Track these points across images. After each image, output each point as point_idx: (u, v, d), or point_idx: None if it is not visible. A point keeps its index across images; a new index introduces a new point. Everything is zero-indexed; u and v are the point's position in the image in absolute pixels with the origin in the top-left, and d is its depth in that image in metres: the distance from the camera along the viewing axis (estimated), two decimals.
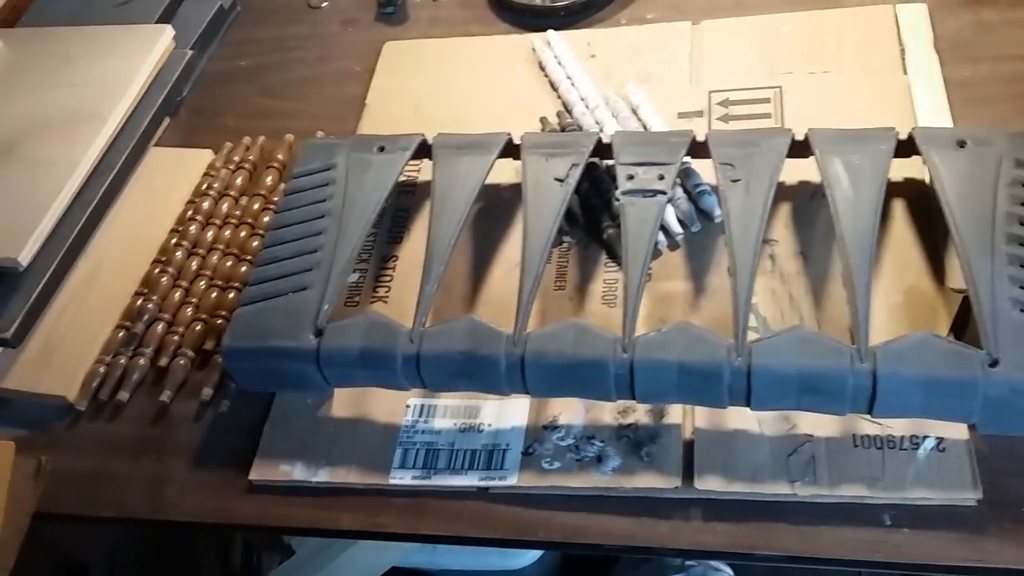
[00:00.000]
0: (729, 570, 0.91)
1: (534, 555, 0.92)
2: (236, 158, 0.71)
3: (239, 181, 0.70)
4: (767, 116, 0.65)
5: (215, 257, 0.65)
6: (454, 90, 0.73)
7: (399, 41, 0.79)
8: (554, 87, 0.70)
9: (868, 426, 0.49)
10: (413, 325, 0.51)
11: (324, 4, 0.86)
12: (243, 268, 0.64)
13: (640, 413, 0.52)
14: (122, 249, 0.67)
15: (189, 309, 0.62)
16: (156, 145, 0.74)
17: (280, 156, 0.71)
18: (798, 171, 0.59)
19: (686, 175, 0.61)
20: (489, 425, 0.53)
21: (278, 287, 0.55)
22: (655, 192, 0.55)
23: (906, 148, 0.56)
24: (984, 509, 0.46)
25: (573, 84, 0.69)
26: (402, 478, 0.52)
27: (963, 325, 0.52)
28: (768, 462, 0.49)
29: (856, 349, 0.46)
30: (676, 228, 0.59)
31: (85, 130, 0.69)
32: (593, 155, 0.59)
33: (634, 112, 0.66)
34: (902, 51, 0.67)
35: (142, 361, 0.60)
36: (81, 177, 0.67)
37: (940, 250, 0.55)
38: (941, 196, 0.52)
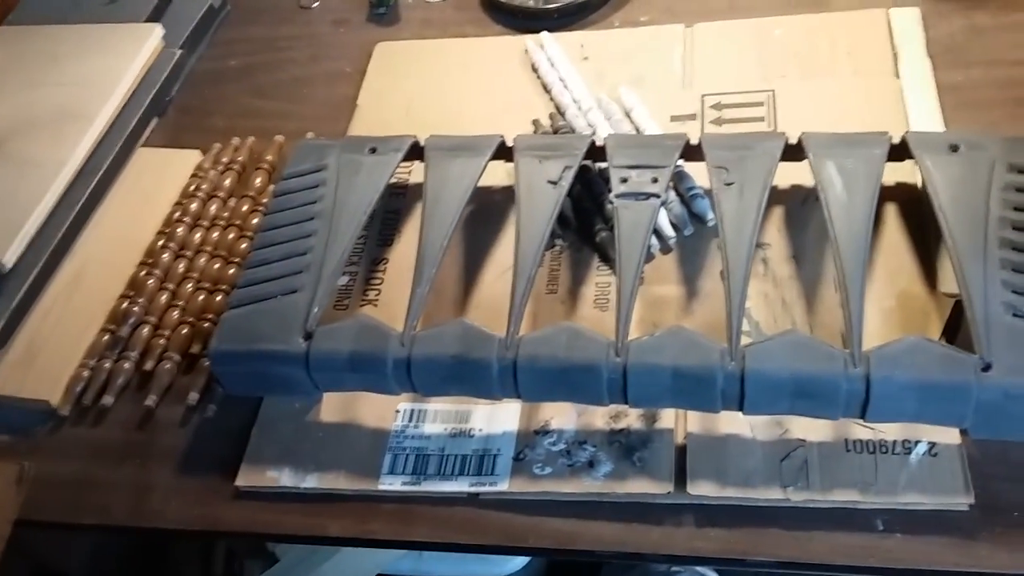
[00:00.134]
0: (714, 575, 0.90)
1: (521, 561, 0.91)
2: (225, 159, 0.71)
3: (228, 182, 0.69)
4: (760, 120, 0.64)
5: (202, 259, 0.65)
6: (446, 92, 0.72)
7: (391, 42, 0.78)
8: (547, 89, 0.70)
9: (860, 431, 0.49)
10: (404, 328, 0.51)
11: (315, 4, 0.85)
12: (231, 270, 0.63)
13: (632, 418, 0.52)
14: (108, 251, 0.66)
15: (175, 312, 0.62)
16: (144, 145, 0.74)
17: (269, 157, 0.70)
18: (791, 175, 0.59)
19: (679, 178, 0.60)
20: (480, 430, 0.53)
21: (267, 290, 0.54)
22: (648, 195, 0.54)
23: (899, 152, 0.55)
24: (976, 514, 0.46)
25: (566, 86, 0.69)
26: (391, 484, 0.52)
27: (955, 329, 0.51)
28: (761, 467, 0.48)
29: (849, 353, 0.46)
30: (669, 231, 0.58)
31: (72, 129, 0.68)
32: (586, 158, 0.58)
33: (627, 115, 0.66)
34: (895, 55, 0.67)
35: (127, 365, 0.59)
36: (67, 177, 0.66)
37: (932, 254, 0.55)
38: (934, 200, 0.51)
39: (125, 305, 0.62)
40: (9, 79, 0.74)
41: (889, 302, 0.53)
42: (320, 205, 0.58)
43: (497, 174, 0.63)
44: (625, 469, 0.50)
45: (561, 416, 0.52)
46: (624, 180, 0.55)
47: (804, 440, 0.49)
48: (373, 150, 0.61)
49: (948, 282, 0.53)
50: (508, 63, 0.74)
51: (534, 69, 0.72)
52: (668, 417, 0.51)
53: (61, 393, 0.58)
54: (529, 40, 0.74)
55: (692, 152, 0.57)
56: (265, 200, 0.67)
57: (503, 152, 0.60)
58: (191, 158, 0.72)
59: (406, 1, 0.83)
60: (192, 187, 0.69)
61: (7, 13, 0.84)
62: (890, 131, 0.56)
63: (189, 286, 0.63)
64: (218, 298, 0.62)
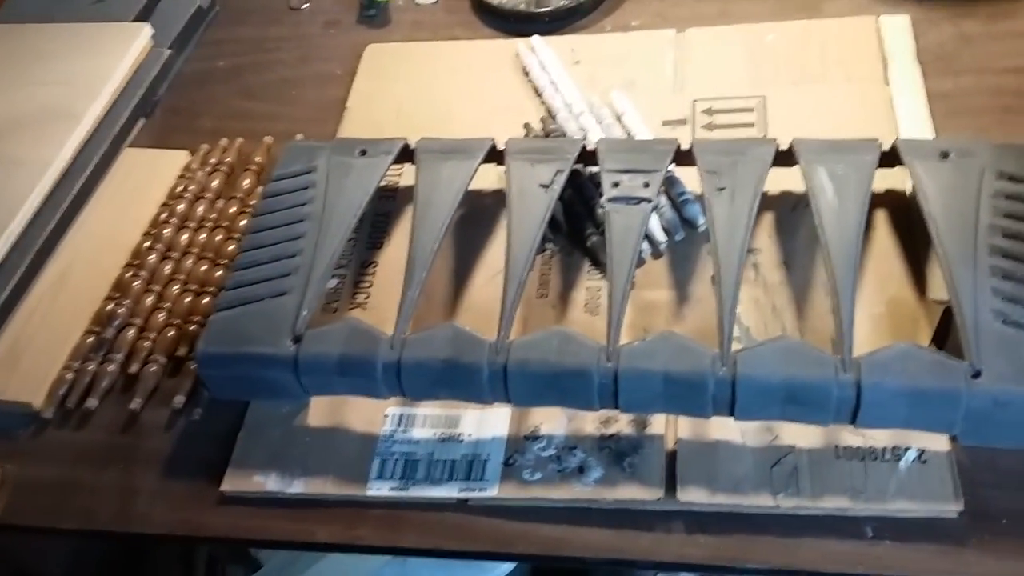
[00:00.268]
0: None
1: (507, 567, 0.91)
2: (213, 160, 0.70)
3: (215, 183, 0.69)
4: (751, 125, 0.64)
5: (189, 261, 0.64)
6: (437, 94, 0.72)
7: (381, 44, 0.78)
8: (538, 93, 0.70)
9: (850, 437, 0.49)
10: (394, 332, 0.50)
11: (305, 5, 0.85)
12: (218, 272, 0.63)
13: (623, 423, 0.51)
14: (93, 252, 0.65)
15: (162, 314, 0.61)
16: (130, 146, 0.73)
17: (258, 158, 0.70)
18: (781, 181, 0.59)
19: (670, 183, 0.60)
20: (469, 435, 0.52)
21: (255, 292, 0.54)
22: (640, 200, 0.54)
23: (889, 159, 0.55)
24: (965, 521, 0.46)
25: (557, 90, 0.69)
26: (380, 489, 0.51)
27: (944, 336, 0.52)
28: (751, 473, 0.48)
29: (840, 359, 0.46)
30: (660, 236, 0.58)
31: (58, 129, 0.68)
32: (578, 162, 0.58)
33: (618, 119, 0.66)
34: (885, 62, 0.67)
35: (112, 367, 0.58)
36: (53, 177, 0.66)
37: (921, 261, 0.55)
38: (924, 207, 0.51)
39: (110, 307, 0.61)
40: None
41: (879, 308, 0.53)
42: (310, 207, 0.58)
43: (488, 177, 0.63)
44: (615, 475, 0.49)
45: (551, 421, 0.52)
46: (616, 184, 0.55)
47: (794, 446, 0.49)
48: (363, 152, 0.60)
49: (937, 289, 0.53)
50: (499, 66, 0.74)
51: (525, 72, 0.72)
52: (659, 423, 0.51)
53: (44, 395, 0.58)
54: (520, 43, 0.74)
55: (683, 157, 0.57)
56: (253, 202, 0.67)
57: (494, 155, 0.60)
58: (178, 159, 0.71)
59: (397, 3, 0.83)
60: (179, 188, 0.68)
61: None
62: (880, 138, 0.56)
63: (175, 288, 0.62)
64: (205, 300, 0.61)
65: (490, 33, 0.78)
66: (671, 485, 0.48)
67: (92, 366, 0.59)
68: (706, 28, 0.73)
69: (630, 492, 0.49)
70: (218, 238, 0.65)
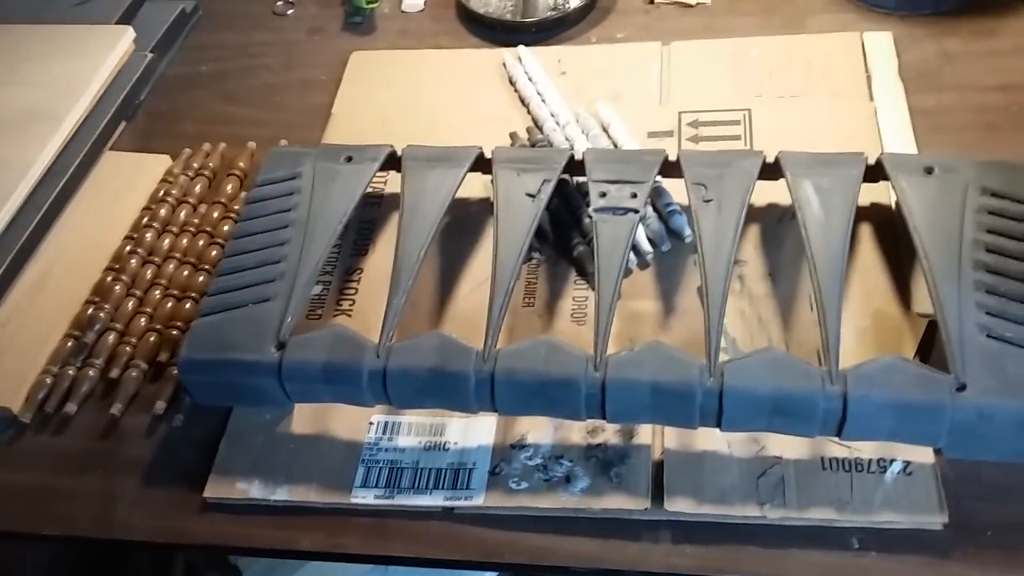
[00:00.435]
0: None
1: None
2: (195, 164, 0.70)
3: (198, 188, 0.68)
4: (737, 138, 0.65)
5: (171, 266, 0.63)
6: (422, 103, 0.72)
7: (367, 51, 0.78)
8: (524, 103, 0.70)
9: (836, 449, 0.49)
10: (380, 339, 0.50)
11: (290, 12, 0.85)
12: (200, 278, 0.62)
13: (609, 433, 0.51)
14: (74, 255, 0.64)
15: (143, 319, 0.60)
16: (111, 149, 0.72)
17: (242, 164, 0.69)
18: (766, 193, 0.59)
19: (657, 194, 0.60)
20: (455, 443, 0.52)
21: (239, 298, 0.53)
22: (627, 210, 0.54)
23: (874, 173, 0.56)
24: (950, 533, 0.46)
25: (544, 100, 0.69)
26: (364, 497, 0.51)
27: (928, 349, 0.52)
28: (737, 484, 0.48)
29: (827, 371, 0.46)
30: (646, 247, 0.58)
31: (39, 130, 0.67)
32: (565, 171, 0.58)
33: (605, 130, 0.66)
34: (869, 78, 0.67)
35: (92, 372, 0.58)
36: (34, 179, 0.65)
37: (906, 275, 0.56)
38: (909, 221, 0.52)
39: (91, 311, 0.60)
40: None
41: (864, 321, 0.54)
42: (294, 213, 0.57)
43: (474, 186, 0.63)
44: (602, 485, 0.49)
45: (537, 430, 0.52)
46: (603, 195, 0.55)
47: (780, 457, 0.49)
48: (349, 159, 0.60)
49: (922, 302, 0.53)
50: (485, 75, 0.74)
51: (511, 82, 0.72)
52: (645, 433, 0.51)
53: (22, 400, 0.57)
54: (507, 53, 0.74)
55: (670, 168, 0.58)
56: (236, 207, 0.66)
57: (481, 164, 0.60)
58: (160, 163, 0.70)
59: (382, 11, 0.83)
60: (161, 192, 0.68)
61: None
62: (865, 152, 0.56)
63: (157, 293, 0.62)
64: (187, 306, 0.61)
65: (476, 42, 0.78)
66: (658, 495, 0.48)
67: (72, 370, 0.58)
68: (691, 41, 0.74)
69: (617, 502, 0.49)
70: (200, 243, 0.64)
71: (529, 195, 0.56)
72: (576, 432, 0.52)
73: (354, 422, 0.54)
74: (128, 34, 0.75)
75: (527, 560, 0.48)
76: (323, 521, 0.50)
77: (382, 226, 0.64)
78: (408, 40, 0.79)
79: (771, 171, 0.56)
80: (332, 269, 0.61)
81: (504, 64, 0.73)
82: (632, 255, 0.58)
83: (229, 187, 0.68)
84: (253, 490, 0.52)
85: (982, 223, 0.51)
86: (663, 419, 0.48)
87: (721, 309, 0.49)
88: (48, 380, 0.57)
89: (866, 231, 0.58)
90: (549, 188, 0.56)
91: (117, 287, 0.61)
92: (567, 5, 0.78)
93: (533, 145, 0.66)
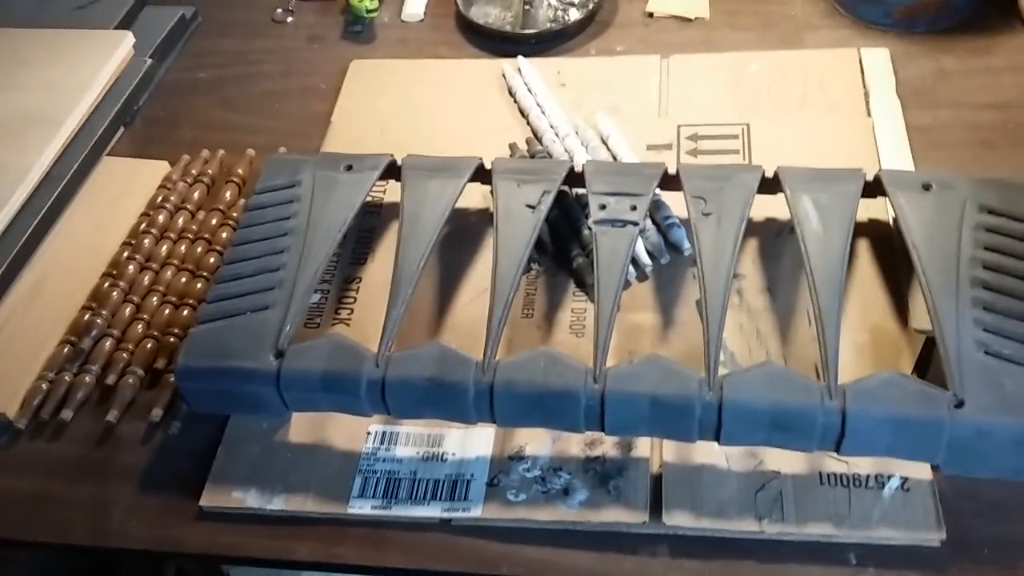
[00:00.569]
0: None
1: None
2: (194, 171, 0.69)
3: (196, 195, 0.68)
4: (735, 152, 0.65)
5: (169, 272, 0.63)
6: (422, 112, 0.72)
7: (367, 60, 0.78)
8: (524, 114, 0.70)
9: (834, 464, 0.49)
10: (379, 349, 0.50)
11: (289, 19, 0.85)
12: (198, 285, 0.62)
13: (608, 445, 0.51)
14: (70, 261, 0.64)
15: (140, 326, 0.60)
16: (109, 155, 0.72)
17: (240, 171, 0.69)
18: (764, 208, 0.59)
19: (656, 207, 0.60)
20: (453, 454, 0.52)
21: (237, 305, 0.53)
22: (626, 223, 0.54)
23: (872, 189, 0.56)
24: (947, 550, 0.46)
25: (543, 111, 0.69)
26: (361, 508, 0.50)
27: (926, 365, 0.52)
28: (736, 498, 0.48)
29: (826, 386, 0.46)
30: (645, 260, 0.58)
31: (38, 135, 0.67)
32: (564, 183, 0.58)
33: (604, 142, 0.66)
34: (866, 94, 0.68)
35: (88, 378, 0.57)
36: (32, 184, 0.65)
37: (903, 291, 0.56)
38: (907, 237, 0.52)
39: (87, 317, 0.60)
40: None
41: (862, 336, 0.54)
42: (294, 221, 0.57)
43: (473, 197, 0.63)
44: (600, 497, 0.49)
45: (536, 442, 0.52)
46: (603, 207, 0.55)
47: (779, 472, 0.49)
48: (349, 167, 0.60)
49: (919, 318, 0.54)
50: (485, 86, 0.74)
51: (511, 93, 0.72)
52: (644, 445, 0.51)
53: (18, 406, 0.56)
54: (506, 64, 0.74)
55: (669, 181, 0.58)
56: (235, 214, 0.66)
57: (480, 174, 0.60)
58: (159, 169, 0.70)
59: (382, 20, 0.83)
60: (159, 198, 0.67)
61: None
62: (862, 168, 0.57)
63: (154, 299, 0.61)
64: (184, 312, 0.61)
65: (475, 52, 0.78)
66: (656, 508, 0.48)
67: (68, 377, 0.57)
68: (690, 55, 0.74)
69: (615, 515, 0.49)
70: (198, 250, 0.64)
71: (529, 206, 0.56)
72: (574, 444, 0.52)
73: (352, 432, 0.53)
74: (128, 39, 0.75)
75: (524, 572, 0.48)
76: (320, 531, 0.50)
77: (381, 235, 0.64)
78: (408, 49, 0.80)
79: (770, 186, 0.57)
80: (331, 278, 0.61)
81: (503, 75, 0.74)
82: (631, 268, 0.58)
83: (228, 194, 0.68)
84: (249, 499, 0.51)
85: (979, 240, 0.52)
86: (662, 432, 0.48)
87: (720, 323, 0.49)
88: (44, 386, 0.57)
89: (864, 247, 0.59)
90: (549, 199, 0.56)
91: (114, 293, 0.61)
92: (567, 17, 0.79)
93: (532, 156, 0.67)
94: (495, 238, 0.54)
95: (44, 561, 0.80)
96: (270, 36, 0.83)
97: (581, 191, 0.60)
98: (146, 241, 0.64)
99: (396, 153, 0.61)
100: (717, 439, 0.47)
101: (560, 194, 0.59)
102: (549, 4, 0.80)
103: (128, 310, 0.61)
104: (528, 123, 0.70)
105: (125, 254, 0.64)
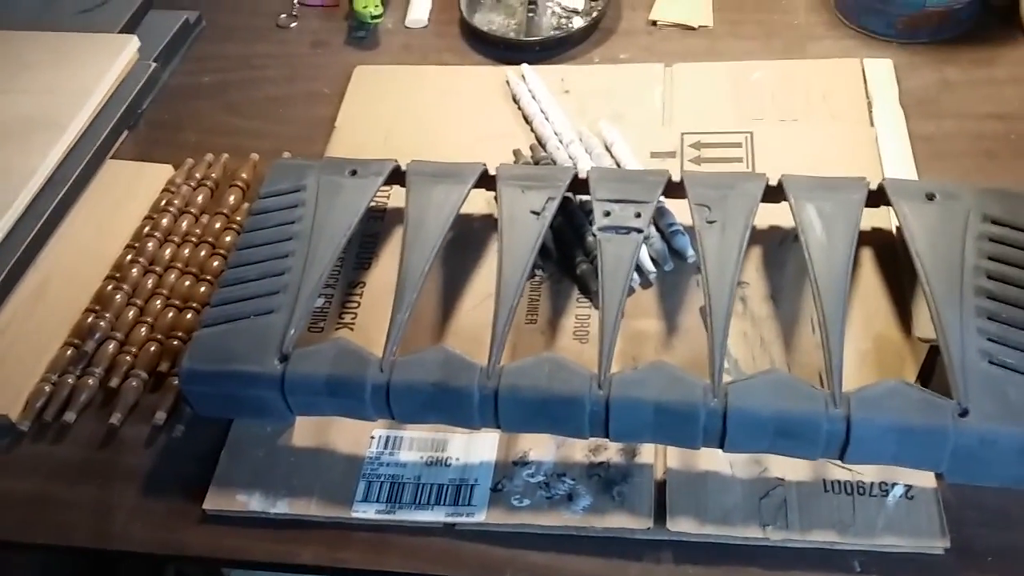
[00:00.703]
0: None
1: None
2: (198, 175, 0.69)
3: (200, 199, 0.68)
4: (738, 160, 0.65)
5: (173, 276, 0.63)
6: (426, 118, 0.72)
7: (371, 66, 0.78)
8: (527, 120, 0.70)
9: (838, 471, 0.49)
10: (384, 354, 0.50)
11: (293, 24, 0.85)
12: (202, 288, 0.62)
13: (612, 451, 0.51)
14: (74, 263, 0.64)
15: (143, 329, 0.60)
16: (113, 158, 0.72)
17: (244, 175, 0.69)
18: (768, 216, 0.59)
19: (660, 214, 0.61)
20: (457, 459, 0.52)
21: (242, 309, 0.53)
22: (631, 230, 0.54)
23: (875, 198, 0.56)
24: (951, 558, 0.46)
25: (547, 118, 0.69)
26: (365, 512, 0.50)
27: (929, 374, 0.52)
28: (740, 505, 0.48)
29: (830, 394, 0.46)
30: (649, 267, 0.59)
31: (42, 138, 0.67)
32: (569, 190, 0.58)
33: (608, 149, 0.66)
34: (869, 104, 0.68)
35: (91, 381, 0.57)
36: (35, 187, 0.64)
37: (907, 299, 0.56)
38: (911, 247, 0.52)
39: (91, 320, 0.60)
40: None
41: (865, 344, 0.54)
42: (298, 225, 0.57)
43: (476, 203, 0.63)
44: (604, 503, 0.49)
45: (540, 447, 0.52)
46: (607, 213, 0.55)
47: (783, 479, 0.49)
48: (354, 172, 0.60)
49: (923, 327, 0.54)
50: (489, 93, 0.74)
51: (515, 100, 0.72)
52: (648, 452, 0.51)
53: (21, 408, 0.56)
54: (510, 71, 0.74)
55: (673, 189, 0.58)
56: (239, 218, 0.66)
57: (485, 180, 0.60)
58: (162, 172, 0.70)
59: (386, 26, 0.83)
60: (163, 202, 0.67)
61: None
62: (866, 177, 0.57)
63: (158, 302, 0.61)
64: (188, 316, 0.60)
65: (479, 59, 0.78)
66: (660, 515, 0.48)
67: (71, 379, 0.57)
68: (694, 64, 0.74)
69: (619, 521, 0.49)
70: (202, 254, 0.64)
71: (533, 212, 0.56)
72: (578, 450, 0.52)
73: (355, 436, 0.53)
74: (132, 43, 0.75)
75: None
76: (323, 535, 0.50)
77: (385, 240, 0.64)
78: (412, 56, 0.80)
79: (773, 194, 0.57)
80: (334, 282, 0.61)
81: (507, 82, 0.74)
82: (635, 274, 0.58)
83: (231, 198, 0.68)
84: (253, 503, 0.51)
85: (983, 250, 0.52)
86: (666, 439, 0.48)
87: (725, 330, 0.49)
88: (47, 388, 0.57)
89: (867, 255, 0.59)
90: (553, 206, 0.56)
91: (118, 296, 0.61)
92: (570, 25, 0.79)
93: (536, 163, 0.67)
94: (500, 244, 0.54)
95: (43, 564, 0.80)
96: (274, 41, 0.83)
97: (585, 198, 0.60)
98: (149, 244, 0.64)
99: (401, 158, 0.61)
100: (721, 446, 0.47)
101: (564, 200, 0.59)
102: (553, 12, 0.80)
103: (131, 313, 0.61)
104: (532, 130, 0.70)
105: (128, 257, 0.64)
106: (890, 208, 0.56)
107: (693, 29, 0.79)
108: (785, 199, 0.56)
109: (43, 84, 0.71)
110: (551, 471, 0.51)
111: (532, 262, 0.54)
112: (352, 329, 0.59)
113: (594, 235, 0.55)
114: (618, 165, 0.65)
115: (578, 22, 0.79)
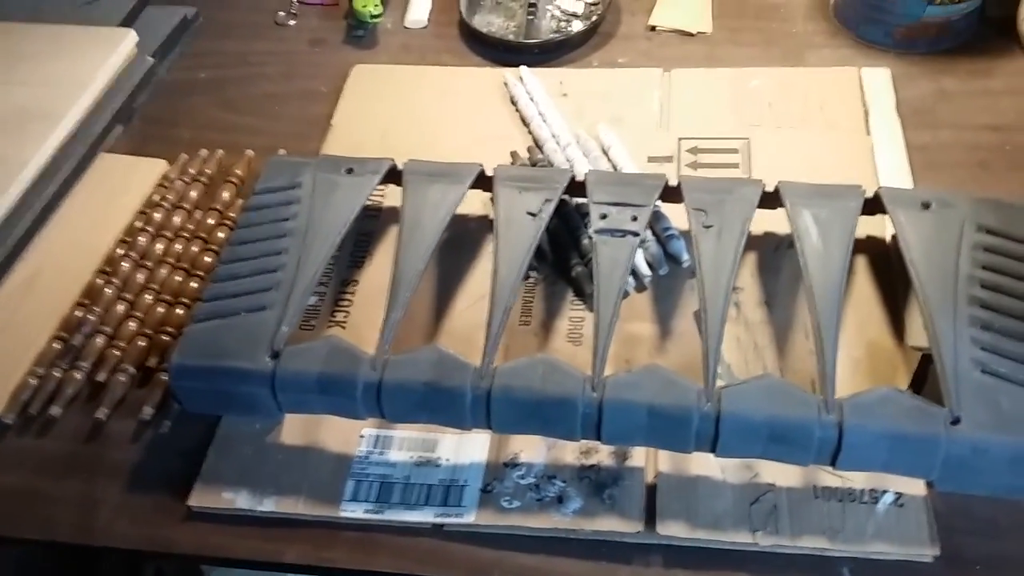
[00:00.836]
0: None
1: None
2: (192, 170, 0.69)
3: (194, 194, 0.67)
4: (735, 166, 0.65)
5: (164, 271, 0.63)
6: (423, 118, 0.72)
7: (369, 65, 0.78)
8: (525, 122, 0.70)
9: (829, 478, 0.49)
10: (376, 352, 0.50)
11: (292, 22, 0.85)
12: (193, 284, 0.62)
13: (603, 454, 0.51)
14: (65, 256, 0.64)
15: (133, 323, 0.59)
16: (107, 152, 0.71)
17: (239, 171, 0.69)
18: (763, 222, 0.59)
19: (656, 218, 0.60)
20: (447, 460, 0.52)
21: (234, 305, 0.53)
22: (627, 233, 0.54)
23: (871, 206, 0.56)
24: (941, 566, 0.46)
25: (545, 121, 0.69)
26: (353, 511, 0.50)
27: (921, 382, 0.52)
28: (731, 510, 0.48)
29: (823, 400, 0.46)
30: (644, 270, 0.58)
31: (36, 130, 0.66)
32: (566, 192, 0.58)
33: (605, 152, 0.66)
34: (866, 113, 0.68)
35: (78, 375, 0.57)
36: (29, 178, 0.64)
37: (900, 307, 0.56)
38: (906, 255, 0.52)
39: (80, 313, 0.60)
40: None
41: (858, 352, 0.54)
42: (293, 223, 0.57)
43: (473, 203, 0.63)
44: (595, 506, 0.49)
45: (530, 449, 0.52)
46: (604, 216, 0.55)
47: (773, 485, 0.49)
48: (350, 171, 0.60)
49: (916, 335, 0.54)
50: (487, 94, 0.74)
51: (513, 102, 0.72)
52: (639, 455, 0.51)
53: (6, 401, 0.56)
54: (508, 73, 0.74)
55: (670, 193, 0.58)
56: (232, 214, 0.66)
57: (481, 181, 0.60)
58: (156, 167, 0.70)
59: (385, 26, 0.83)
60: (157, 197, 0.67)
61: None
62: (862, 185, 0.57)
63: (148, 297, 0.61)
64: (178, 311, 0.60)
65: (478, 61, 0.78)
66: (650, 518, 0.48)
67: (58, 373, 0.57)
68: (692, 69, 0.74)
69: (609, 524, 0.48)
70: (194, 249, 0.64)
71: (530, 214, 0.56)
72: (569, 452, 0.51)
73: (345, 435, 0.53)
74: (130, 37, 0.75)
75: None
76: (310, 534, 0.50)
77: (379, 239, 0.63)
78: (410, 56, 0.80)
79: (770, 200, 0.57)
80: (328, 280, 0.61)
81: (506, 83, 0.74)
82: (630, 278, 0.58)
83: (225, 194, 0.67)
84: (240, 500, 0.51)
85: (978, 259, 0.52)
86: (658, 442, 0.48)
87: (719, 334, 0.49)
88: (33, 382, 0.56)
89: (861, 263, 0.59)
90: (550, 208, 0.56)
91: (108, 290, 0.61)
92: (569, 28, 0.79)
93: (534, 164, 0.66)
94: (495, 244, 0.54)
95: (19, 561, 0.79)
96: (272, 38, 0.83)
97: (581, 200, 0.60)
98: (142, 239, 0.64)
99: (398, 158, 0.61)
100: (713, 450, 0.47)
101: (560, 203, 0.59)
102: (552, 15, 0.80)
103: (121, 308, 0.60)
104: (530, 132, 0.70)
105: (120, 251, 0.64)
106: (884, 216, 0.56)
107: (692, 35, 0.79)
108: (781, 205, 0.56)
109: (39, 76, 0.71)
110: (542, 473, 0.51)
111: (527, 263, 0.53)
112: (344, 327, 0.58)
113: (590, 237, 0.55)
114: (615, 168, 0.65)
115: (577, 26, 0.79)
